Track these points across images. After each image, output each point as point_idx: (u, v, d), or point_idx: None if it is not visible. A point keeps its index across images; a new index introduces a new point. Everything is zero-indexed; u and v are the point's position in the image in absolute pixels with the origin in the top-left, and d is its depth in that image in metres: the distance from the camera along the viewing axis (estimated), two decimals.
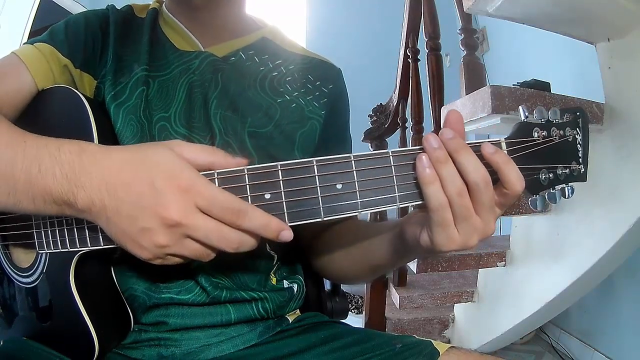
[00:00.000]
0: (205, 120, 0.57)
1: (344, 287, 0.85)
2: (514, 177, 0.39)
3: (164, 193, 0.37)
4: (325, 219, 0.40)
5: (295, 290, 0.63)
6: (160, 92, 0.57)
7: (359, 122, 1.48)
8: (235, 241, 0.39)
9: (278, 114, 0.61)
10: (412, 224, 0.47)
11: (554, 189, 0.43)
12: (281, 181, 0.39)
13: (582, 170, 0.43)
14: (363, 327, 1.23)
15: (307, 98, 0.64)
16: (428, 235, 0.43)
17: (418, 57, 1.73)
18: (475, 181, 0.39)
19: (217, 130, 0.57)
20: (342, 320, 0.69)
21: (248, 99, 0.60)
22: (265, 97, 0.61)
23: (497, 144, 0.41)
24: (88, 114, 0.49)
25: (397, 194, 0.40)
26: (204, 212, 0.38)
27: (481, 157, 0.40)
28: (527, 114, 0.42)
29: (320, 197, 0.40)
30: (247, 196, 0.40)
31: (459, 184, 0.39)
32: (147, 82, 0.57)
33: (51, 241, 0.48)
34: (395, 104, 1.87)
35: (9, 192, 0.40)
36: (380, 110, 1.95)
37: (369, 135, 1.92)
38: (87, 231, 0.44)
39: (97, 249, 0.45)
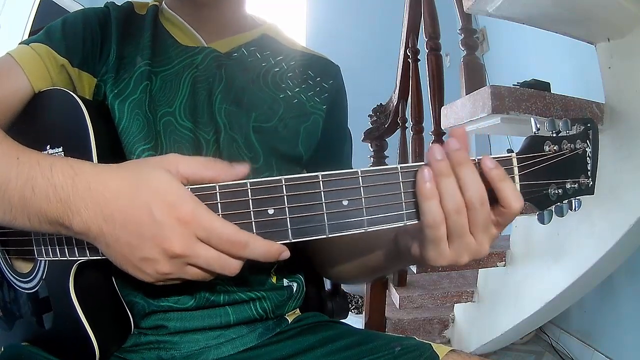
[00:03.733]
0: (209, 115, 0.57)
1: (344, 287, 0.85)
2: (510, 194, 0.39)
3: (164, 225, 0.36)
4: (330, 235, 0.39)
5: (294, 289, 0.63)
6: (163, 87, 0.57)
7: (359, 122, 1.48)
8: (237, 268, 0.39)
9: (282, 108, 0.61)
10: (404, 234, 0.46)
11: (562, 202, 0.42)
12: (285, 196, 0.38)
13: (591, 184, 0.43)
14: (363, 327, 1.23)
15: (308, 94, 0.64)
16: (419, 249, 0.42)
17: (418, 57, 1.73)
18: (471, 199, 0.38)
19: (221, 125, 0.56)
20: (342, 320, 0.69)
21: (252, 93, 0.60)
22: (269, 92, 0.61)
23: (509, 160, 0.41)
24: (84, 116, 0.48)
25: (404, 212, 0.39)
26: (204, 242, 0.38)
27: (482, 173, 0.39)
28: (538, 126, 0.42)
29: (325, 214, 0.38)
30: (250, 211, 0.39)
31: (459, 200, 0.38)
32: (150, 77, 0.56)
33: (50, 250, 0.47)
34: (395, 104, 1.87)
35: (4, 210, 0.39)
36: (380, 110, 1.95)
37: (369, 135, 1.92)
38: (86, 242, 0.44)
39: (96, 259, 0.44)
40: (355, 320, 1.95)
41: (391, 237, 0.49)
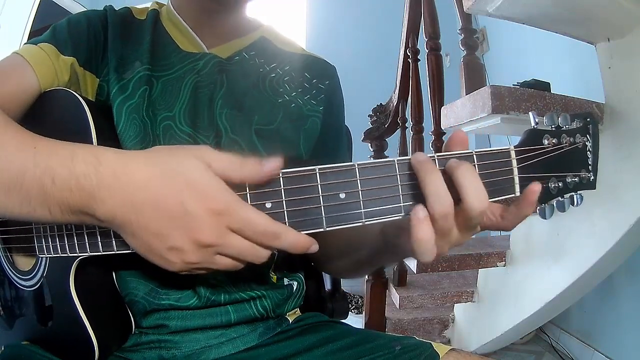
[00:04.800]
0: (209, 120, 0.57)
1: (344, 287, 0.85)
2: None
3: (197, 216, 0.36)
4: (328, 229, 0.39)
5: (294, 287, 0.64)
6: (164, 92, 0.57)
7: (359, 122, 1.48)
8: (267, 256, 0.39)
9: (281, 112, 0.61)
10: (391, 229, 0.46)
11: (563, 197, 0.42)
12: (282, 190, 0.38)
13: (592, 178, 0.42)
14: (363, 327, 1.23)
15: (304, 98, 0.64)
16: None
17: (418, 57, 1.73)
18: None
19: (222, 129, 0.57)
20: (342, 320, 0.69)
21: (253, 97, 0.60)
22: (268, 96, 0.62)
23: (507, 153, 0.40)
24: (87, 117, 0.48)
25: (402, 204, 0.39)
26: (236, 233, 0.37)
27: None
28: (537, 120, 0.41)
29: (322, 207, 0.38)
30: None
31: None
32: (150, 82, 0.57)
33: (51, 246, 0.47)
34: (395, 104, 1.87)
35: (21, 202, 0.38)
36: (380, 110, 1.95)
37: (369, 135, 1.92)
38: (86, 237, 0.44)
39: (96, 255, 0.44)
40: (355, 320, 1.96)
41: (377, 232, 0.49)
